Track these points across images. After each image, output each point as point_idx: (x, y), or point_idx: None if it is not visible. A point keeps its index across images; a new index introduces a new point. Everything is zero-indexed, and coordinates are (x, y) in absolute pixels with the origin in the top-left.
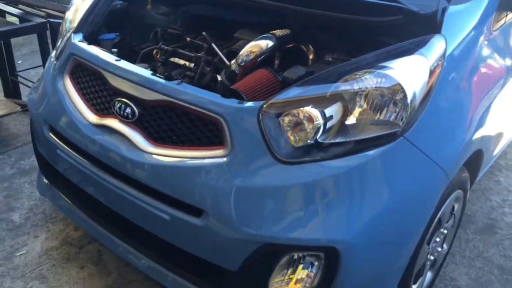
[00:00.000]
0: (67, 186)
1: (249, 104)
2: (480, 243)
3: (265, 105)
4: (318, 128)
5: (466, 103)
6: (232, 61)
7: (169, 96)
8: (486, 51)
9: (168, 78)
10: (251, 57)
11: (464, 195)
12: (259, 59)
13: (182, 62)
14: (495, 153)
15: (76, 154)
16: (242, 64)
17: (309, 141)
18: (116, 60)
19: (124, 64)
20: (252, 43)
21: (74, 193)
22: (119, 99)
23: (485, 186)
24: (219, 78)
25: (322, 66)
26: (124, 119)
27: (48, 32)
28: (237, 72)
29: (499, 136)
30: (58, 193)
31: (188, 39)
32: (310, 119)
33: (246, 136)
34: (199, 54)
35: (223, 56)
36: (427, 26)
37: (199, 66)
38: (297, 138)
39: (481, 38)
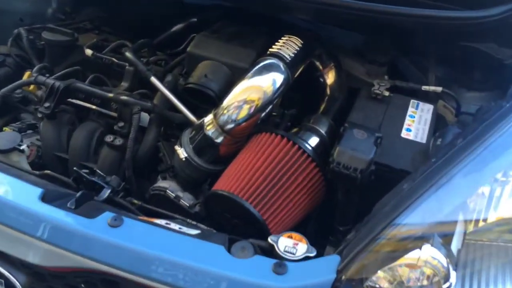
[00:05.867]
0: None
1: (306, 280)
2: None
3: (343, 276)
4: None
5: None
6: (207, 118)
7: (92, 259)
8: None
9: (80, 204)
10: (247, 111)
11: None
12: (262, 114)
13: (93, 106)
14: None
15: None
16: (230, 128)
17: None
18: None
19: None
20: (245, 84)
21: None
22: None
23: None
24: (178, 151)
25: (373, 106)
26: None
27: None
28: (219, 142)
29: None
30: None
31: (90, 52)
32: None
33: None
34: (123, 97)
35: (186, 110)
36: None
37: (128, 120)
38: None
39: None
